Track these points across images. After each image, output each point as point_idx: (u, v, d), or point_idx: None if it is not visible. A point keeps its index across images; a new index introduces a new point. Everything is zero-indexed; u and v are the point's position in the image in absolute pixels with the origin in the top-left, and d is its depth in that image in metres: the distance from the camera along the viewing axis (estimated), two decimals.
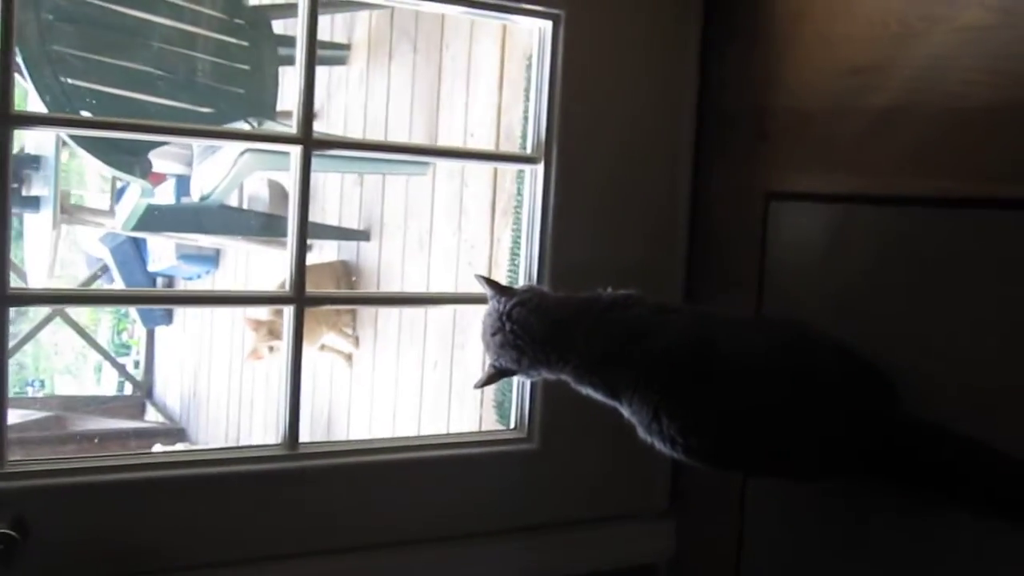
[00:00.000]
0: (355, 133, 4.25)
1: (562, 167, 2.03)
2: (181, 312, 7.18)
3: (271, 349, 4.05)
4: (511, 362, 1.72)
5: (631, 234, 2.10)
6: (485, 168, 3.44)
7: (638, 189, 2.11)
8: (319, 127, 4.52)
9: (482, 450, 2.05)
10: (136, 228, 3.71)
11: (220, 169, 3.62)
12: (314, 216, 4.74)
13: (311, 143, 1.83)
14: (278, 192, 4.83)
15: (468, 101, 3.55)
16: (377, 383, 4.19)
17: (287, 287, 1.83)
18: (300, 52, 1.81)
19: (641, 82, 2.06)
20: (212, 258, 6.30)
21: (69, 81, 3.01)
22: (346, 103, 4.45)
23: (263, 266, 5.29)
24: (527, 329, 1.69)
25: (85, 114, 3.12)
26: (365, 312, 4.33)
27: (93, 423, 6.92)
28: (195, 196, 3.91)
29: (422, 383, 3.79)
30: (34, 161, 4.41)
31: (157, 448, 5.14)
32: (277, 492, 1.81)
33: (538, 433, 2.05)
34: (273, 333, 4.04)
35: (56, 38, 3.03)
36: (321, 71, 4.74)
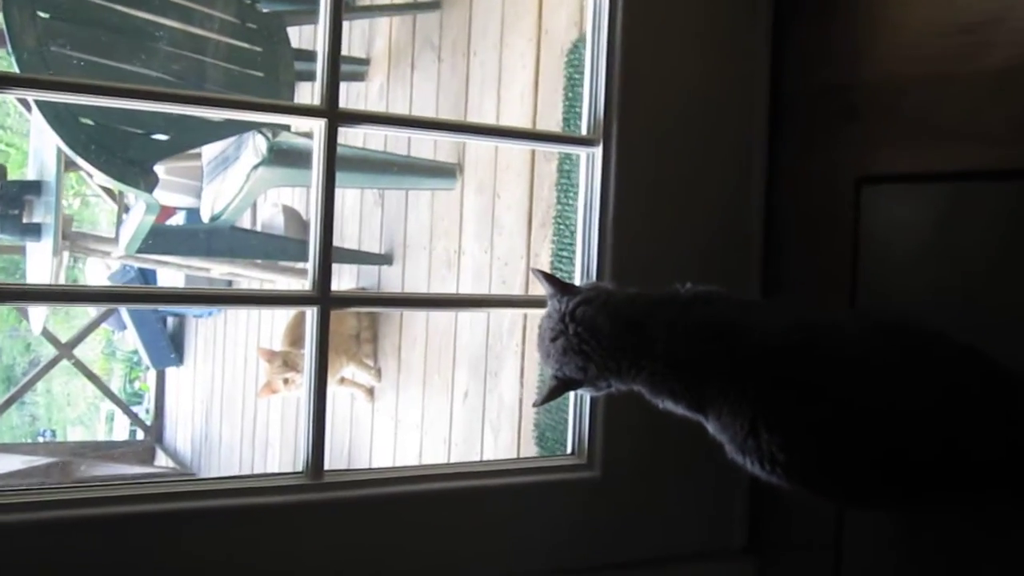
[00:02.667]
0: (377, 145, 4.01)
1: (623, 150, 1.81)
2: (191, 353, 6.97)
3: (286, 382, 3.81)
4: (575, 371, 1.54)
5: (701, 225, 1.90)
6: (520, 177, 3.19)
7: (707, 176, 1.93)
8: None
9: (533, 479, 1.80)
10: (140, 250, 3.44)
11: (231, 187, 3.38)
12: (335, 241, 4.49)
13: (336, 116, 1.60)
14: (293, 218, 4.61)
15: (499, 109, 3.32)
16: (402, 417, 3.92)
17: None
18: (323, 15, 1.57)
19: (707, 57, 1.92)
20: None
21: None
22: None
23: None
24: (594, 332, 1.52)
25: (86, 122, 2.87)
26: (387, 343, 4.07)
27: (100, 469, 6.69)
28: (205, 218, 3.66)
29: (451, 415, 3.52)
30: (35, 187, 4.17)
31: None
32: (298, 527, 1.60)
33: (599, 459, 1.83)
34: (288, 364, 3.80)
35: (53, 38, 2.79)
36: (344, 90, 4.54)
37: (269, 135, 3.22)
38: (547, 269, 2.75)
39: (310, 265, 1.64)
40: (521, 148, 3.18)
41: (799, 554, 1.93)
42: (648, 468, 1.85)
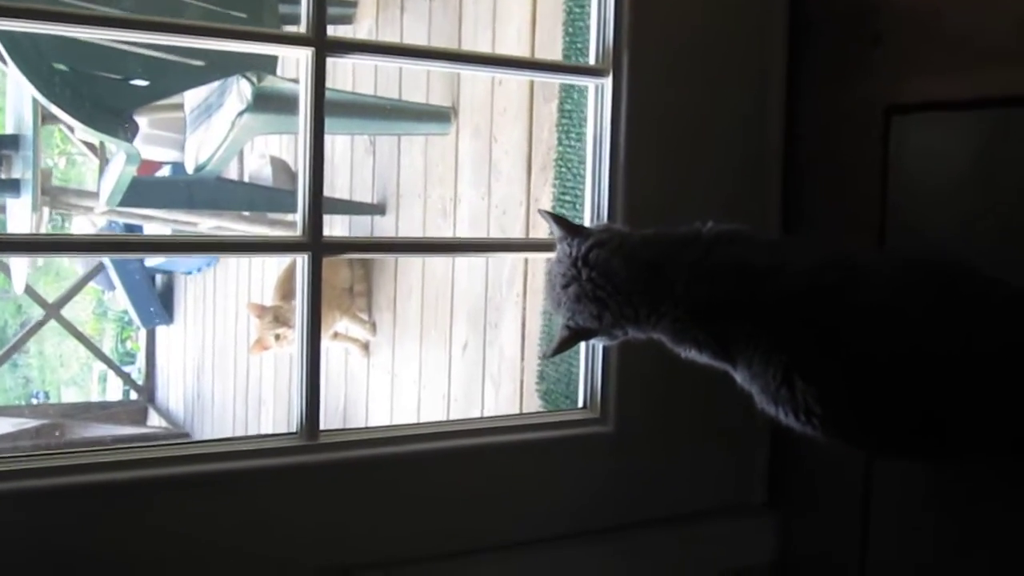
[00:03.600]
0: (366, 90, 3.86)
1: (634, 80, 1.70)
2: (181, 311, 6.83)
3: (277, 338, 3.69)
4: (589, 319, 1.44)
5: (717, 161, 1.78)
6: (518, 119, 3.05)
7: (724, 107, 1.86)
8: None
9: (543, 435, 1.70)
10: (122, 203, 3.30)
11: (215, 135, 3.23)
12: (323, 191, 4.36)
13: (324, 45, 1.47)
14: (281, 169, 4.46)
15: (495, 48, 3.16)
16: (398, 372, 3.81)
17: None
18: None
19: None
20: None
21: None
22: (354, 63, 4.07)
23: (267, 259, 4.88)
24: (609, 276, 1.42)
25: (60, 68, 2.71)
26: (382, 295, 3.94)
27: (92, 430, 6.57)
28: (189, 169, 3.51)
29: (450, 369, 3.41)
30: (12, 141, 4.01)
31: None
32: (293, 491, 1.51)
33: (613, 413, 1.72)
34: (279, 320, 3.68)
35: None
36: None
37: (254, 80, 3.07)
38: None
39: (300, 209, 1.51)
40: (519, 86, 3.04)
41: (824, 509, 1.84)
42: (664, 421, 1.76)
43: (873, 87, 1.70)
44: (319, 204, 1.49)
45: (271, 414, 5.05)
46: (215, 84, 3.29)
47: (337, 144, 4.28)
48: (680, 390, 1.69)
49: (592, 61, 1.72)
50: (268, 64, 3.15)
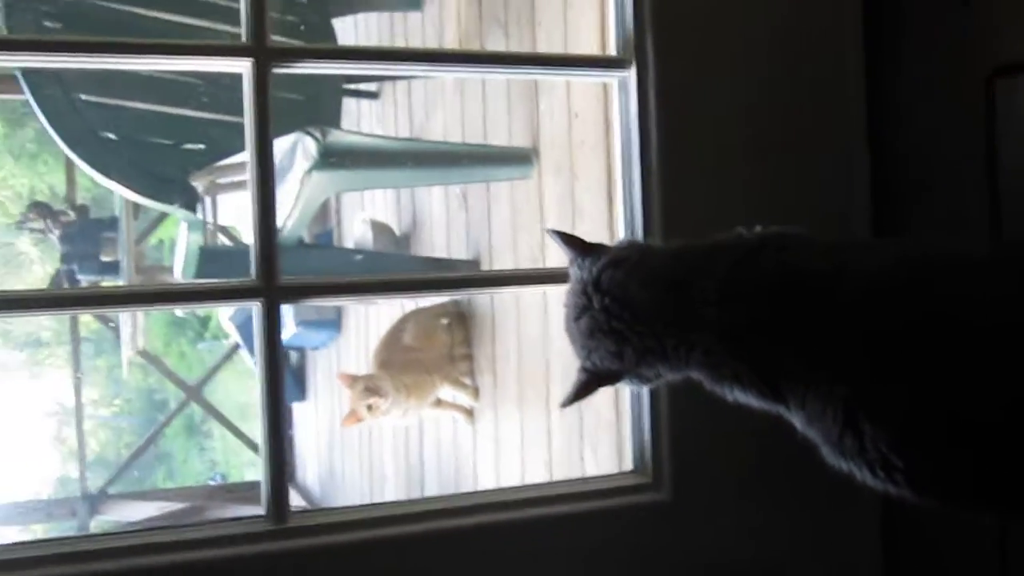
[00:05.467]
0: (455, 139, 3.65)
1: (664, 68, 1.36)
2: (313, 387, 6.73)
3: (370, 408, 3.45)
4: (608, 358, 1.18)
5: (777, 157, 1.40)
6: (596, 151, 2.76)
7: (781, 91, 1.43)
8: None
9: (580, 507, 1.37)
10: (198, 276, 3.15)
11: (287, 197, 3.05)
12: (422, 250, 4.17)
13: (265, 54, 1.21)
14: (381, 231, 4.28)
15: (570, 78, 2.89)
16: (502, 438, 3.53)
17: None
18: None
19: None
20: (334, 322, 5.82)
21: (82, 97, 2.48)
22: (444, 117, 3.88)
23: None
24: (626, 302, 1.16)
25: (109, 136, 2.58)
26: (483, 359, 3.67)
27: (225, 512, 6.49)
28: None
29: (549, 433, 3.10)
30: (113, 224, 3.97)
31: None
32: None
33: (668, 476, 1.34)
34: (371, 390, 3.46)
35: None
36: (415, 86, 4.21)
37: (318, 136, 2.89)
38: None
39: (252, 252, 1.26)
40: (595, 114, 2.75)
41: None
42: (733, 485, 1.40)
43: (970, 48, 1.42)
44: (271, 243, 1.24)
45: (392, 489, 4.83)
46: (286, 145, 3.12)
47: (434, 201, 4.08)
48: (753, 446, 1.35)
49: (613, 51, 1.42)
50: (331, 118, 2.97)
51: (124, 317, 4.41)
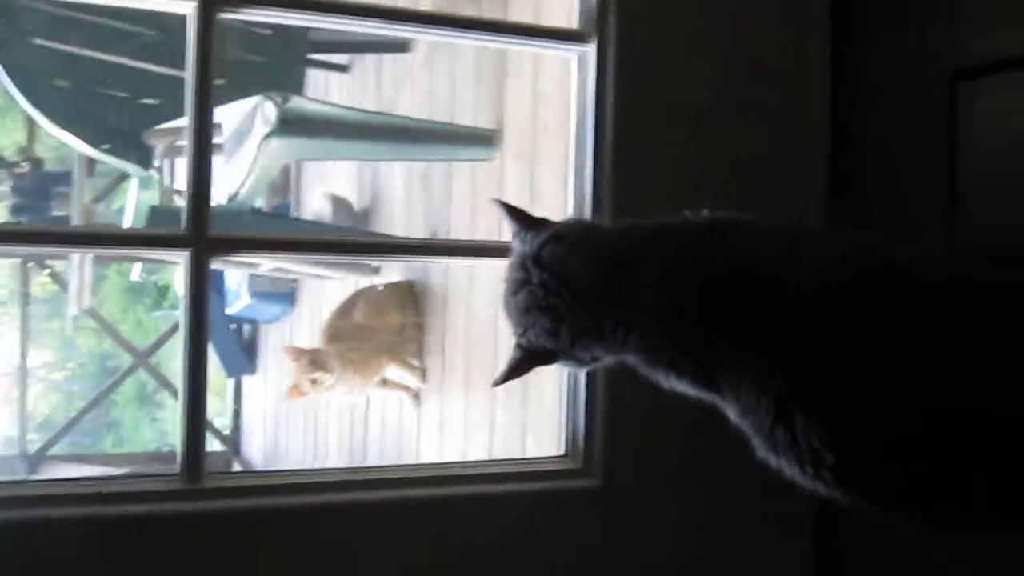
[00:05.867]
0: (422, 116, 3.60)
1: (625, 44, 1.33)
2: (264, 361, 6.65)
3: (314, 383, 3.39)
4: (544, 336, 1.15)
5: (737, 140, 1.37)
6: (559, 135, 2.72)
7: (742, 73, 1.39)
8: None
9: (508, 488, 1.32)
10: None
11: (243, 163, 2.99)
12: (380, 227, 4.13)
13: None
14: (341, 206, 4.22)
15: (537, 55, 2.86)
16: (446, 422, 3.48)
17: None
18: None
19: None
20: (289, 296, 5.74)
21: (38, 42, 2.41)
22: (412, 94, 3.82)
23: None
24: (565, 279, 1.12)
25: (63, 84, 2.51)
26: (433, 341, 3.63)
27: None
28: (222, 200, 3.28)
29: (493, 417, 3.06)
30: (65, 179, 3.88)
31: None
32: (172, 542, 1.23)
33: (599, 461, 1.31)
34: (317, 364, 3.40)
35: None
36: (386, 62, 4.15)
37: (279, 101, 2.83)
38: None
39: (187, 197, 1.22)
40: (560, 97, 2.71)
41: None
42: (666, 475, 1.37)
43: (936, 47, 1.41)
44: (203, 195, 1.20)
45: (335, 466, 4.78)
46: (246, 109, 3.06)
47: (395, 178, 4.03)
48: (687, 434, 1.32)
49: (574, 24, 1.39)
50: (294, 84, 2.91)
51: (73, 274, 4.32)
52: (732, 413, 1.04)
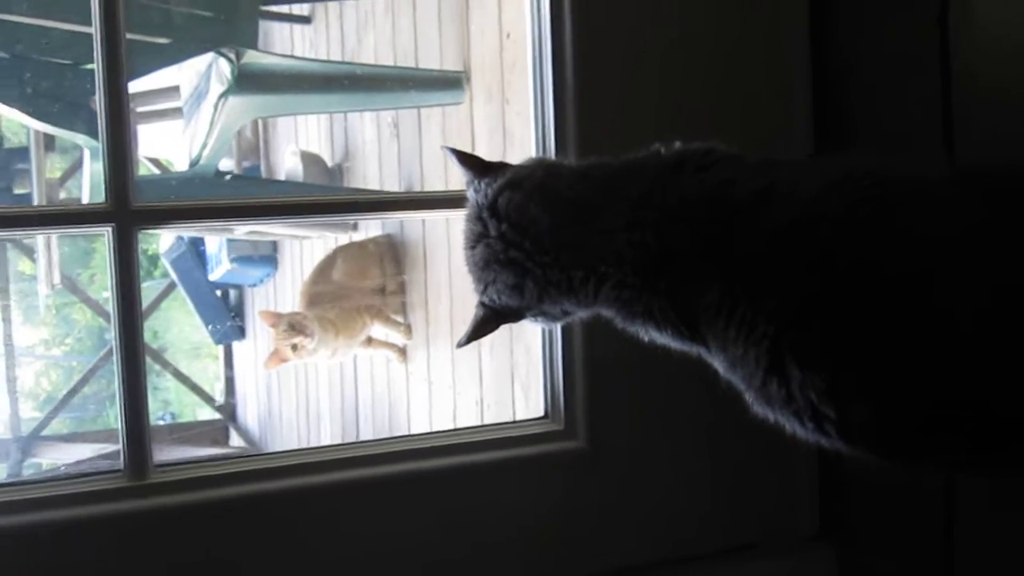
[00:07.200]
0: (387, 63, 3.46)
1: None
2: (252, 326, 6.55)
3: (295, 348, 3.28)
4: (508, 293, 1.04)
5: (710, 67, 1.24)
6: (527, 73, 2.59)
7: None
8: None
9: (486, 456, 1.21)
10: None
11: (202, 126, 2.86)
12: (355, 181, 4.02)
13: None
14: (312, 163, 4.08)
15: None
16: (435, 379, 3.38)
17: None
18: None
19: None
20: (271, 259, 5.64)
21: None
22: (375, 41, 3.68)
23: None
24: (526, 227, 1.02)
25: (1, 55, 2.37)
26: (415, 295, 3.52)
27: (172, 453, 6.31)
28: (184, 165, 3.15)
29: (480, 372, 2.96)
30: (22, 155, 3.74)
31: None
32: (119, 544, 1.12)
33: (582, 422, 1.20)
34: (296, 328, 3.28)
35: None
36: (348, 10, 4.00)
37: (232, 57, 2.69)
38: None
39: (87, 165, 1.10)
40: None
41: (895, 538, 1.34)
42: (657, 433, 1.26)
43: None
44: (124, 165, 1.07)
45: (328, 430, 4.70)
46: (201, 68, 2.92)
47: (366, 131, 3.89)
48: (677, 389, 1.22)
49: None
50: (248, 38, 2.77)
51: (40, 255, 4.20)
52: (720, 367, 0.94)
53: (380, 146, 3.82)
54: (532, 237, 1.01)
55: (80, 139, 2.63)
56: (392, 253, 3.67)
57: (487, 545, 1.23)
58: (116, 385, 1.10)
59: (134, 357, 1.10)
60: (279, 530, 1.14)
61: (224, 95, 2.76)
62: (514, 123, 2.70)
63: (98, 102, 1.12)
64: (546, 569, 1.26)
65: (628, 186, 0.99)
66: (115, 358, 1.09)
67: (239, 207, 1.44)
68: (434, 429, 3.00)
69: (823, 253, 0.84)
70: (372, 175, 3.90)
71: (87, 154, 2.70)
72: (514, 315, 1.07)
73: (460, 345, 1.11)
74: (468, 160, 1.10)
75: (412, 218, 2.96)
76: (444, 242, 3.26)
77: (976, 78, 1.17)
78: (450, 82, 3.01)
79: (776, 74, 1.34)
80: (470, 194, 1.09)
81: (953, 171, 1.02)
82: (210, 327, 6.81)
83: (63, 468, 6.74)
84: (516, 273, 1.02)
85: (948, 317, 0.80)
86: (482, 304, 1.08)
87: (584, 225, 0.99)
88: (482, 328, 1.09)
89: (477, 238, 1.05)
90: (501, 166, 1.09)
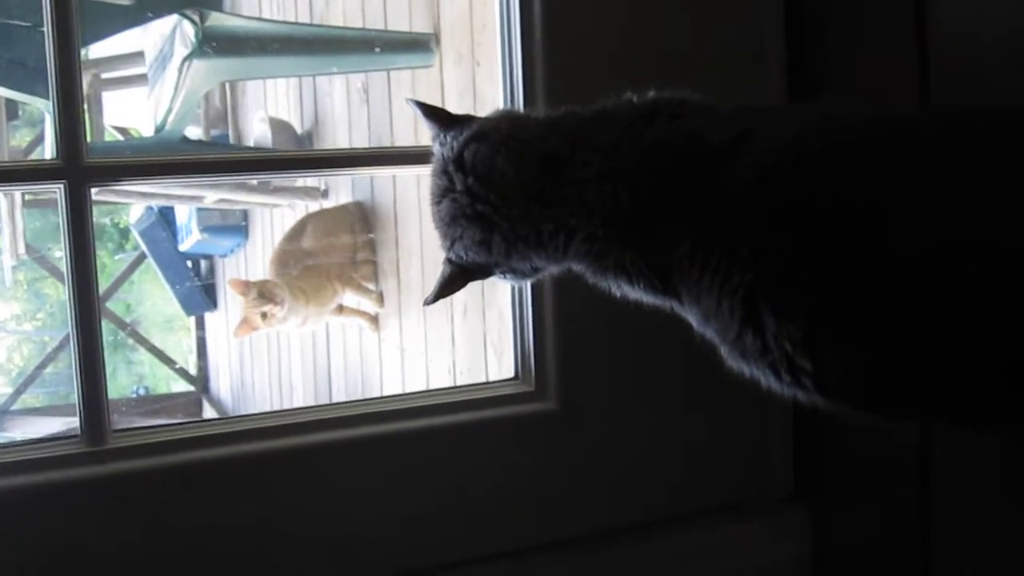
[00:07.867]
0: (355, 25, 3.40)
1: None
2: (224, 296, 6.49)
3: (264, 316, 3.24)
4: (475, 249, 1.02)
5: (681, 16, 1.21)
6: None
7: None
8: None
9: (453, 419, 1.19)
10: None
11: (167, 90, 2.80)
12: (324, 147, 3.95)
13: None
14: (282, 129, 4.02)
15: None
16: (407, 345, 3.35)
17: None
18: None
19: None
20: (241, 228, 5.57)
21: None
22: (344, 2, 3.61)
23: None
24: (492, 181, 0.99)
25: None
26: (387, 262, 3.48)
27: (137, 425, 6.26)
28: (149, 131, 3.09)
29: (453, 337, 2.93)
30: None
31: None
32: (78, 511, 1.08)
33: (553, 383, 1.17)
34: (265, 296, 3.23)
35: None
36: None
37: (196, 19, 2.63)
38: None
39: (49, 130, 1.06)
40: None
41: (871, 496, 1.33)
42: (629, 393, 1.24)
43: None
44: (75, 120, 1.03)
45: (301, 399, 4.66)
46: (165, 30, 2.85)
47: (336, 96, 3.83)
48: (646, 344, 1.20)
49: None
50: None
51: (3, 223, 4.12)
52: (694, 321, 0.92)
53: (350, 112, 3.77)
54: (499, 190, 0.98)
55: (41, 103, 2.57)
56: (362, 219, 3.62)
57: (457, 507, 1.21)
58: (71, 347, 1.06)
59: (89, 318, 1.06)
60: (242, 495, 1.11)
61: (188, 58, 2.70)
62: (484, 85, 2.66)
63: (47, 55, 1.08)
64: (518, 530, 1.24)
65: (598, 136, 0.96)
66: (69, 319, 1.06)
67: (195, 163, 1.40)
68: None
69: (800, 197, 0.81)
70: (342, 141, 3.84)
71: (48, 119, 2.63)
72: (482, 272, 1.04)
73: (427, 303, 1.09)
74: (433, 113, 1.07)
75: (380, 174, 2.91)
76: (415, 208, 3.21)
77: (951, 25, 1.15)
78: (420, 44, 2.96)
79: (749, 24, 1.31)
80: (436, 148, 1.06)
81: (930, 111, 0.99)
82: (180, 298, 6.76)
83: None
84: (483, 228, 1.00)
85: (931, 259, 0.78)
86: (449, 261, 1.05)
87: (553, 177, 0.96)
88: (449, 286, 1.06)
89: (443, 193, 1.02)
90: (467, 119, 1.06)
